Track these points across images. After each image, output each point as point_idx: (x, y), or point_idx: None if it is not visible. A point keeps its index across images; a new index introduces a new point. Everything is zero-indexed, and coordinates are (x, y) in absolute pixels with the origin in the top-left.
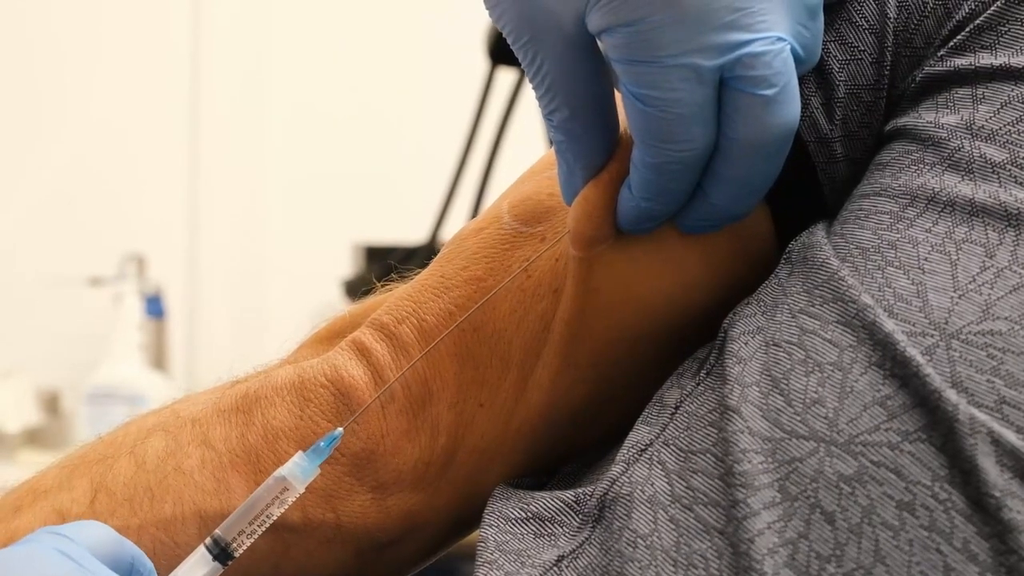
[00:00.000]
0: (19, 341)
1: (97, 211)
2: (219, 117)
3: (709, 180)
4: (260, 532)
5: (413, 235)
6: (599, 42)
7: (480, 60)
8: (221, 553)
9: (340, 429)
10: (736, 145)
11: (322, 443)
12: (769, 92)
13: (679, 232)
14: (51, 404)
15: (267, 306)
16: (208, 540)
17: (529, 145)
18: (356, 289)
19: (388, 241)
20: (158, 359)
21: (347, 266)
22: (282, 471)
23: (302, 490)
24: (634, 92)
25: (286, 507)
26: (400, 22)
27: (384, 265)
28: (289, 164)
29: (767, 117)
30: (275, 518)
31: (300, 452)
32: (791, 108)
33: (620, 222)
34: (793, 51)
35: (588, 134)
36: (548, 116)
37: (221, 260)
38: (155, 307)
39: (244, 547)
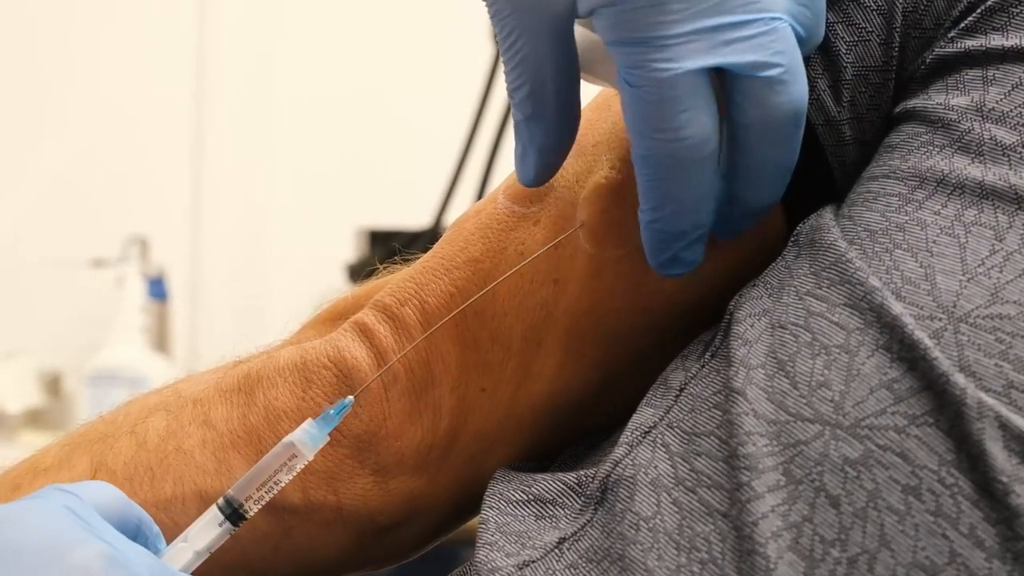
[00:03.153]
0: (21, 322)
1: (100, 193)
2: (223, 100)
3: (729, 173)
4: (268, 499)
5: (417, 219)
6: (592, 22)
7: (486, 44)
8: (233, 514)
9: (351, 397)
10: (747, 131)
11: (332, 411)
12: (772, 73)
13: None
14: (53, 385)
15: (270, 289)
16: (220, 501)
17: None
18: (360, 273)
19: (392, 225)
20: (160, 341)
21: (351, 250)
22: (291, 437)
23: (311, 457)
24: (625, 76)
25: (294, 474)
26: (405, 6)
27: (388, 249)
28: (293, 147)
29: (773, 97)
30: (283, 485)
31: (309, 419)
32: (796, 87)
33: (647, 253)
34: (795, 30)
35: (541, 115)
36: (511, 92)
37: (224, 243)
38: (158, 289)
39: (252, 512)
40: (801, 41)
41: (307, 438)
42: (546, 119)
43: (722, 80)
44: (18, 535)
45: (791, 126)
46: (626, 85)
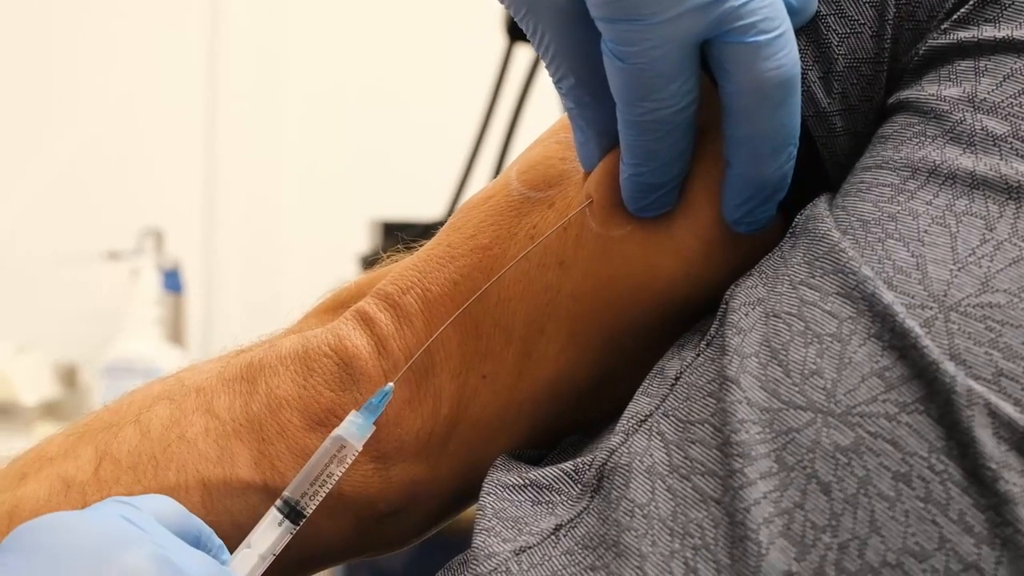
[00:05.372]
0: (37, 315)
1: (115, 185)
2: (237, 92)
3: (726, 148)
4: (323, 493)
5: (430, 211)
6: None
7: (498, 36)
8: (292, 512)
9: (391, 384)
10: (735, 99)
11: (374, 400)
12: (760, 39)
13: (689, 225)
14: (68, 378)
15: (284, 282)
16: (278, 502)
17: (546, 121)
18: (373, 265)
19: (405, 217)
20: (175, 333)
21: (364, 241)
22: (338, 431)
23: (359, 447)
24: (613, 50)
25: (346, 466)
26: None
27: (401, 241)
28: (307, 139)
29: (759, 63)
30: (337, 477)
31: (354, 411)
32: (784, 54)
33: (624, 199)
34: (786, 1)
35: (596, 100)
36: (557, 84)
37: (238, 235)
38: (172, 281)
39: (311, 508)
40: (793, 11)
41: (354, 428)
42: (597, 102)
43: (711, 48)
44: (73, 538)
45: (782, 93)
46: (613, 58)
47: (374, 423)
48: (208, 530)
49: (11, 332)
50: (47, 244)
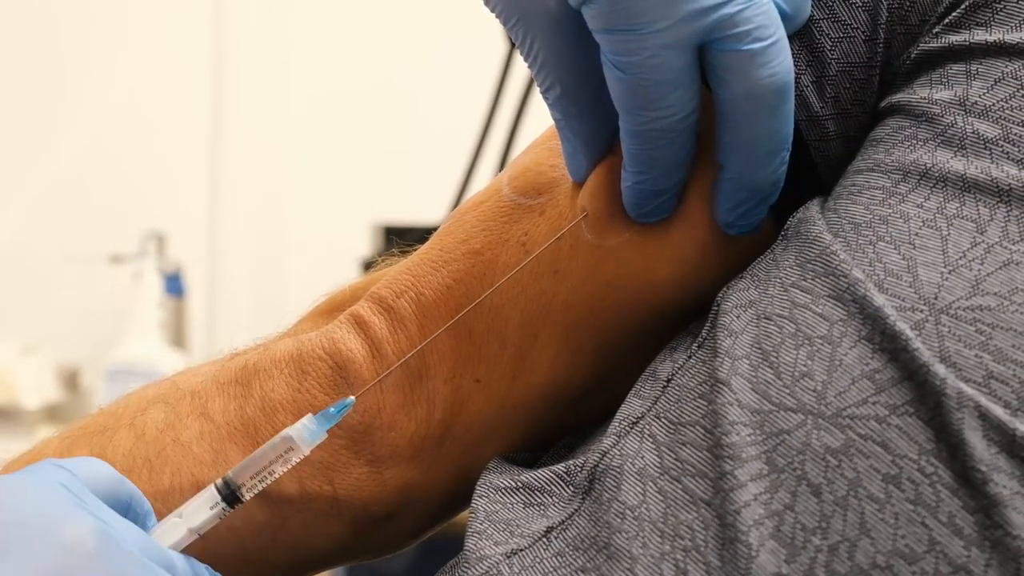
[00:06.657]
0: (40, 317)
1: (118, 189)
2: (241, 96)
3: (720, 153)
4: (260, 488)
5: (431, 215)
6: (582, 11)
7: (499, 39)
8: (230, 495)
9: (352, 397)
10: (730, 105)
11: (332, 409)
12: (755, 46)
13: (686, 229)
14: (71, 381)
15: (286, 285)
16: (218, 482)
17: (547, 126)
18: None
19: (407, 221)
20: (177, 337)
21: (366, 246)
22: (289, 431)
23: (307, 452)
24: (613, 60)
25: (289, 467)
26: (419, 3)
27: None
28: (309, 144)
29: (754, 70)
30: (277, 476)
31: (309, 415)
32: (779, 61)
33: (626, 207)
34: (779, 7)
35: (582, 111)
36: (545, 94)
37: (241, 239)
38: (175, 285)
39: (247, 497)
40: (786, 17)
41: (305, 433)
42: (583, 113)
43: (707, 56)
44: (11, 509)
45: (776, 99)
46: (613, 68)
47: (360, 430)
48: (139, 494)
49: (14, 335)
50: (50, 247)
